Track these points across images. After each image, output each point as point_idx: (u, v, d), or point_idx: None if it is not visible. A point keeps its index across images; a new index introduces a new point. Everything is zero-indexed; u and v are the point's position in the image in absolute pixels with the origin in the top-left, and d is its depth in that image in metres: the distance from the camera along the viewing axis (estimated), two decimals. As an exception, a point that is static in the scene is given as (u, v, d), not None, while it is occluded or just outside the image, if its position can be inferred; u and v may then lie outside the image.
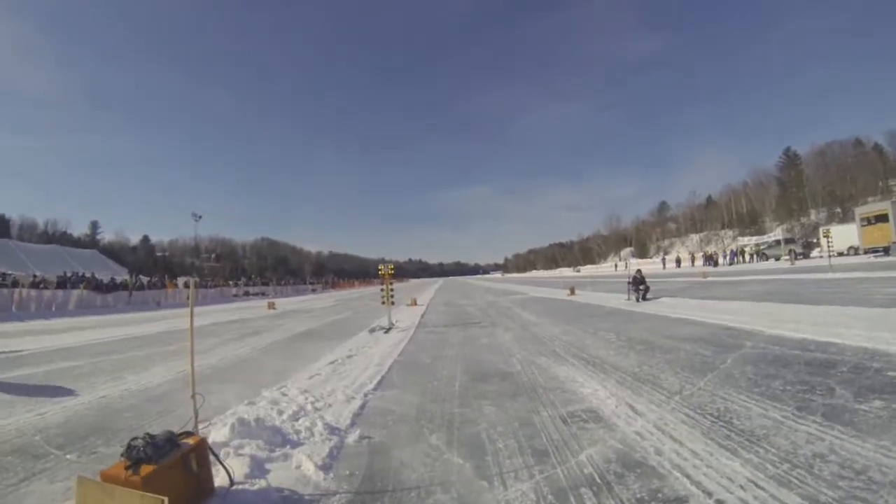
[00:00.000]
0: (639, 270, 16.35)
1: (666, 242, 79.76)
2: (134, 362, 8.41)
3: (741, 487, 2.87)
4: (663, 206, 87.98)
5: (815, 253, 27.85)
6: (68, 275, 30.19)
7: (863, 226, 21.76)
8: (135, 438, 2.67)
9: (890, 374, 4.47)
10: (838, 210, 47.01)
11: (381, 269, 13.13)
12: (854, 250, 22.36)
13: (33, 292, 22.38)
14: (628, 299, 15.48)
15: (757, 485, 2.88)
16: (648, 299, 14.70)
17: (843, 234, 23.62)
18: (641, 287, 15.16)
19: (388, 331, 11.88)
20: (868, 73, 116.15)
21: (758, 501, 2.69)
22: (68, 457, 3.88)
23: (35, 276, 27.84)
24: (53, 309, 21.81)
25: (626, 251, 76.18)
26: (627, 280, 16.54)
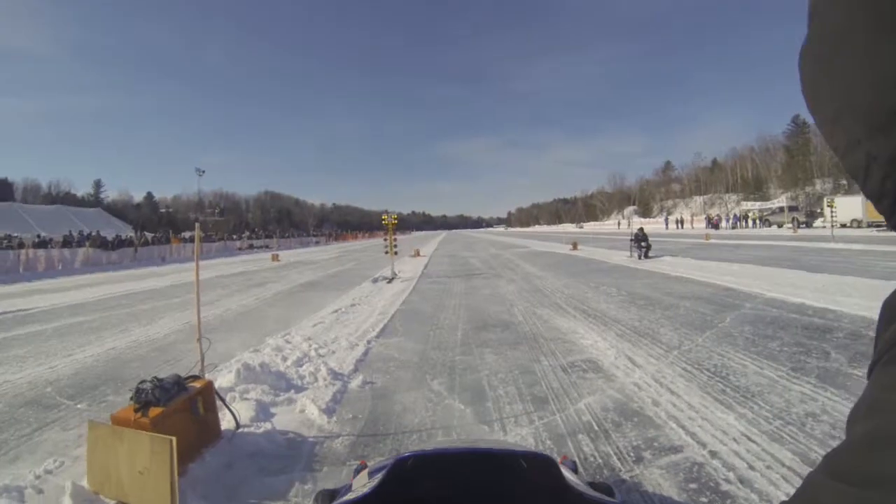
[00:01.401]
0: (641, 228, 16.23)
1: (669, 203, 78.83)
2: (140, 315, 8.52)
3: (734, 440, 2.93)
4: (668, 166, 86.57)
5: (817, 223, 27.48)
6: (73, 234, 30.21)
7: None
8: (143, 381, 2.70)
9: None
10: (843, 182, 46.01)
11: (384, 219, 13.57)
12: (857, 223, 22.01)
13: (40, 252, 22.37)
14: (630, 256, 15.49)
15: (750, 438, 2.94)
16: (650, 257, 14.69)
17: (847, 206, 23.35)
18: (644, 245, 15.13)
19: (391, 281, 11.96)
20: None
21: (750, 454, 2.75)
22: (79, 406, 3.97)
23: (39, 237, 27.87)
24: (60, 268, 21.73)
25: (630, 209, 75.64)
26: (630, 237, 16.48)
